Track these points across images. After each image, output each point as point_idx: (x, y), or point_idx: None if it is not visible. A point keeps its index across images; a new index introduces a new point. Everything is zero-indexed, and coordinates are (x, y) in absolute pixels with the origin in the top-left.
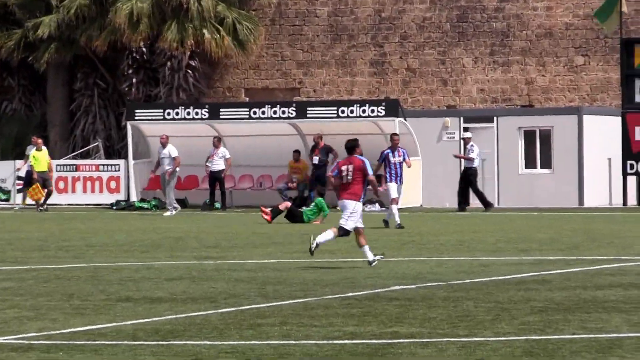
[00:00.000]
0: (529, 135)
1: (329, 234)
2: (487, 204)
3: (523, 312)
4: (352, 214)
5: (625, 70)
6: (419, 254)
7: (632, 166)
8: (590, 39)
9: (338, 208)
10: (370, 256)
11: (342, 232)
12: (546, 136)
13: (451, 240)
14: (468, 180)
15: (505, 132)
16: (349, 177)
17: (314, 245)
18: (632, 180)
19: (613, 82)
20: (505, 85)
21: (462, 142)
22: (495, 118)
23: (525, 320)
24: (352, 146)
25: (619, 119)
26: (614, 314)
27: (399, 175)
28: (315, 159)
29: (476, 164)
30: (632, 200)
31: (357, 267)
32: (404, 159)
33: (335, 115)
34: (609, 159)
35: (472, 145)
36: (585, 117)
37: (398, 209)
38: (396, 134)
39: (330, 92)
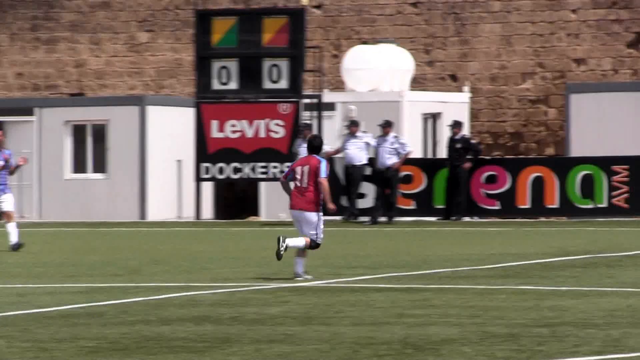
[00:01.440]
0: (78, 131)
1: (300, 241)
2: None
3: (68, 352)
4: (319, 226)
5: (200, 50)
6: None
7: (207, 170)
8: (157, 10)
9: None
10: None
11: (315, 245)
12: (100, 132)
13: None
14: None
15: (49, 127)
16: (304, 181)
17: (283, 247)
18: (207, 187)
19: (185, 64)
20: (50, 68)
21: None
22: (36, 110)
23: None
24: (318, 145)
25: (192, 110)
26: (184, 354)
27: (5, 182)
28: None
29: None
30: (207, 213)
31: None
32: (6, 164)
33: None
34: (179, 161)
35: None
36: (150, 109)
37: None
38: None
39: None
